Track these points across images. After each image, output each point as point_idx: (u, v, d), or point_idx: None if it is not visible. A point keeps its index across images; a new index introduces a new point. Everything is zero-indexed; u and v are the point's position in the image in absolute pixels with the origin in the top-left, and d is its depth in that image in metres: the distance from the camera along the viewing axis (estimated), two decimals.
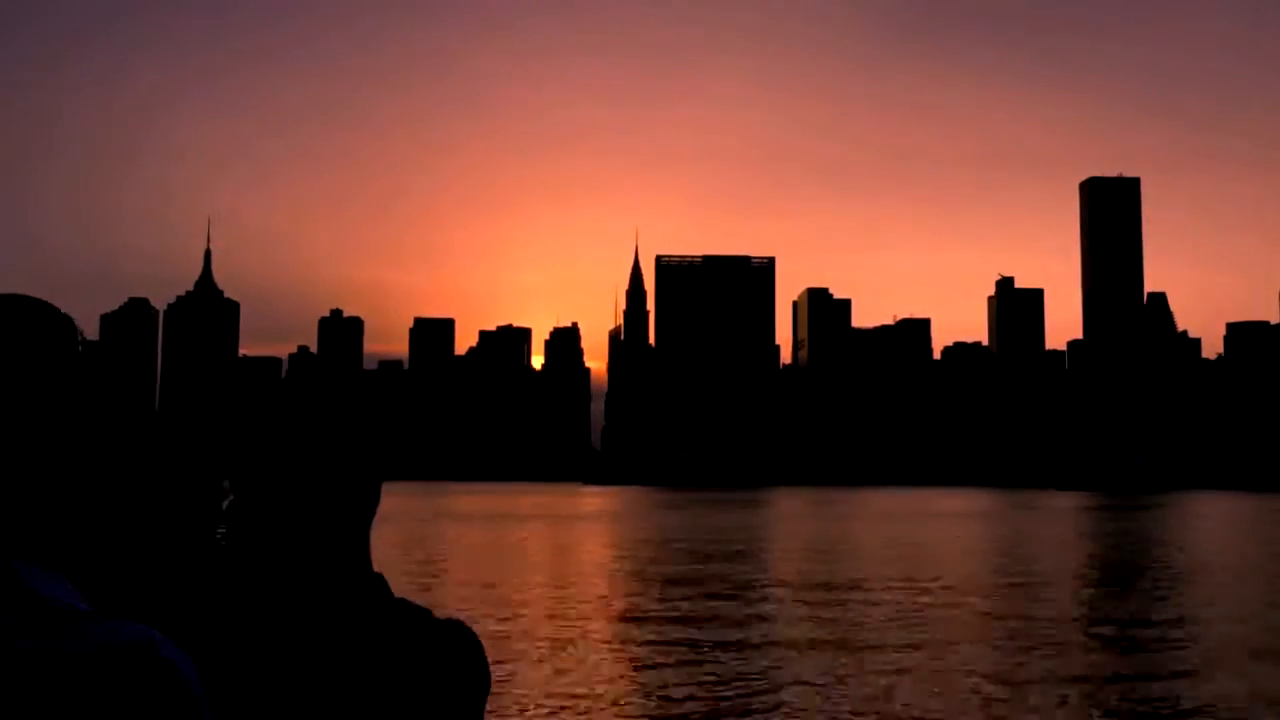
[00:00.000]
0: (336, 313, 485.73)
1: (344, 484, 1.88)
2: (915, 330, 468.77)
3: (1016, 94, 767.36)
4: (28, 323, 1.37)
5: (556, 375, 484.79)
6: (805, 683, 17.07)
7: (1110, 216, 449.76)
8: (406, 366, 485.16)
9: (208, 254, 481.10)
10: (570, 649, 20.26)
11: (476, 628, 22.86)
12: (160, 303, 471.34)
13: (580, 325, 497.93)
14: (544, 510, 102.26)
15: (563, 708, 15.13)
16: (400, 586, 30.90)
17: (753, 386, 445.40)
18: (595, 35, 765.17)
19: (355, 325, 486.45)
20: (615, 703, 15.64)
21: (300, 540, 1.86)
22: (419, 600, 27.28)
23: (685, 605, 27.49)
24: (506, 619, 24.40)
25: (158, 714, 1.29)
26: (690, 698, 15.94)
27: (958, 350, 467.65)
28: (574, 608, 26.82)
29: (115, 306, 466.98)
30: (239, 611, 1.85)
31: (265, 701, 1.77)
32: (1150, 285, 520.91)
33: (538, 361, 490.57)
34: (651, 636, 22.04)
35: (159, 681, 1.29)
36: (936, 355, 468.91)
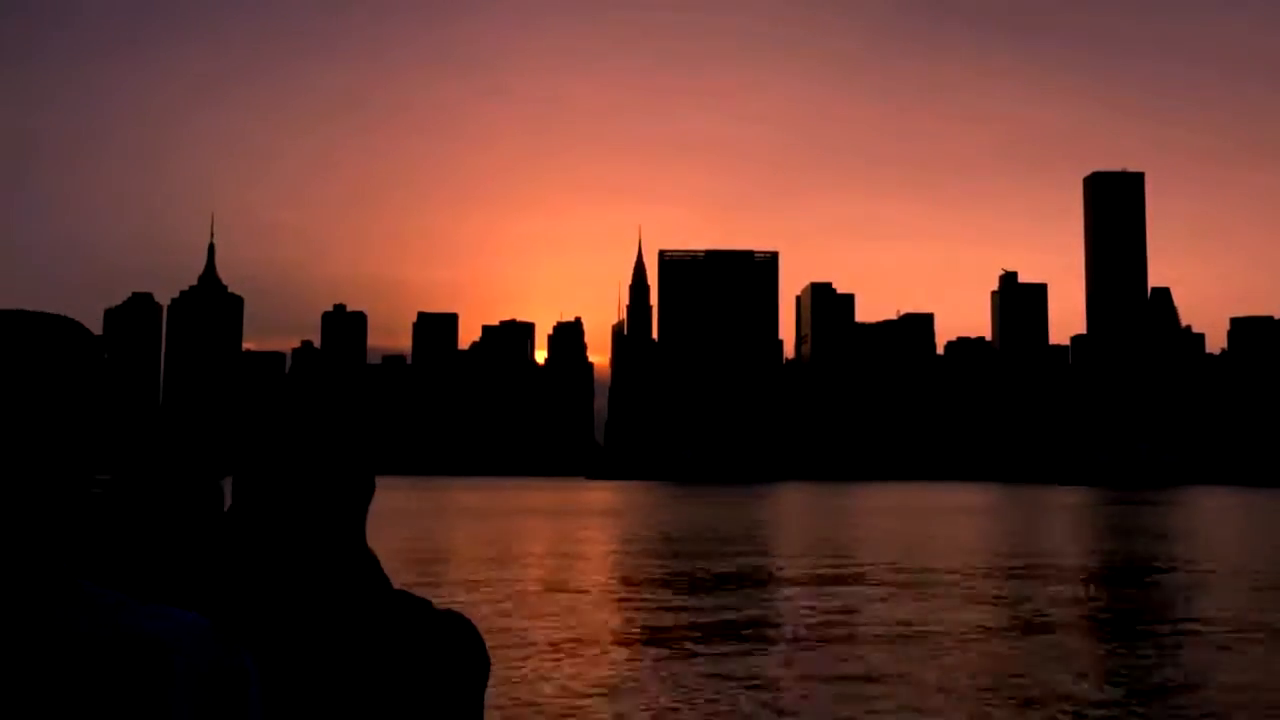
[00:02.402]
0: (340, 307, 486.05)
1: (345, 478, 1.91)
2: (918, 325, 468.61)
3: (1020, 90, 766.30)
4: (60, 341, 1.30)
5: (560, 370, 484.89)
6: (807, 679, 17.10)
7: (1114, 211, 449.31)
8: (409, 361, 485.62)
9: (211, 249, 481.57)
10: (573, 643, 20.29)
11: (480, 622, 22.89)
12: (164, 297, 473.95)
13: (583, 320, 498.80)
14: (548, 506, 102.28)
15: (564, 700, 15.16)
16: (404, 582, 30.99)
17: (756, 381, 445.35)
18: (598, 36, 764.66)
19: (359, 320, 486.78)
20: (615, 697, 15.67)
21: (302, 533, 1.88)
22: (422, 595, 27.37)
23: (688, 600, 27.54)
24: (509, 614, 24.44)
25: (226, 698, 1.30)
26: (691, 694, 15.97)
27: (961, 345, 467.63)
28: (577, 603, 26.87)
29: (119, 301, 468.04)
30: (241, 603, 1.86)
31: (269, 693, 1.78)
32: (1154, 280, 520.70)
33: (541, 356, 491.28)
34: (653, 633, 22.09)
35: (232, 666, 1.31)
36: (940, 350, 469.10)
